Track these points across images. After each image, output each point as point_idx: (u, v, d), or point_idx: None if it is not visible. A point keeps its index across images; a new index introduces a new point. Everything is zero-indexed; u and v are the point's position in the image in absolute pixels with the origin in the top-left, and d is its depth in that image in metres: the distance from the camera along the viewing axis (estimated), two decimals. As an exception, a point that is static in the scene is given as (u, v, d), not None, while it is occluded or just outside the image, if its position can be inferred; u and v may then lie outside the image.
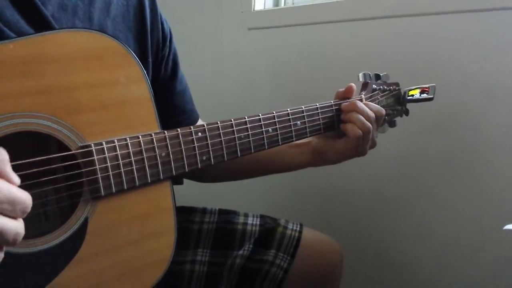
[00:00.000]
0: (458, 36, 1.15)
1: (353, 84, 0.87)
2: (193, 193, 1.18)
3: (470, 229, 1.17)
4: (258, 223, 0.91)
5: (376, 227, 1.34)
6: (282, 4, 1.62)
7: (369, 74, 0.94)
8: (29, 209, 0.47)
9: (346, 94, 0.87)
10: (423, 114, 1.09)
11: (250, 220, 0.91)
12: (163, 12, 0.84)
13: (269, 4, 1.61)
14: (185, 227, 0.89)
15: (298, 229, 0.90)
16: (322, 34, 1.39)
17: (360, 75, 0.94)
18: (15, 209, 0.45)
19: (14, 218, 0.46)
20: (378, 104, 0.92)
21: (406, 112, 1.00)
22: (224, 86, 1.63)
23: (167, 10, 0.85)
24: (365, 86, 0.93)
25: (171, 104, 0.87)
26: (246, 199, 1.56)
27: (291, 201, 1.50)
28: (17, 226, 0.46)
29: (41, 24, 0.63)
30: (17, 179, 0.46)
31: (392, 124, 1.00)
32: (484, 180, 1.14)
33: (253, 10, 1.56)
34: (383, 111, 0.87)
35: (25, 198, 0.46)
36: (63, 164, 0.57)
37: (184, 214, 0.91)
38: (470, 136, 1.15)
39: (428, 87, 0.95)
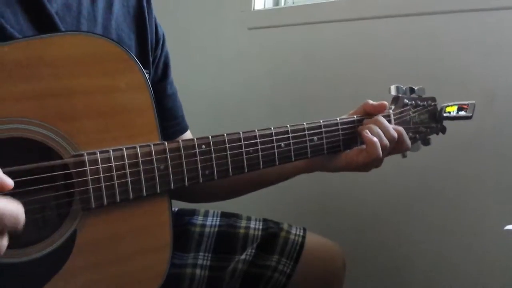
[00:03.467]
0: (458, 36, 1.14)
1: (385, 103, 0.81)
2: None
3: (470, 230, 1.17)
4: (260, 227, 0.88)
5: (379, 231, 1.32)
6: (282, 4, 1.60)
7: (402, 88, 0.87)
8: (20, 225, 0.45)
9: (376, 111, 0.80)
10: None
11: (252, 224, 0.89)
12: (164, 12, 0.84)
13: (269, 4, 1.60)
14: (186, 229, 0.87)
15: (301, 233, 0.88)
16: (322, 33, 1.39)
17: (392, 87, 0.87)
18: (2, 223, 0.43)
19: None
20: (410, 120, 0.86)
21: (443, 130, 0.92)
22: (224, 86, 1.63)
23: (167, 11, 0.85)
24: (395, 100, 0.86)
25: (163, 107, 0.85)
26: (248, 202, 1.54)
27: (293, 205, 1.49)
28: (17, 209, 0.44)
29: (45, 22, 0.62)
30: (9, 182, 0.44)
31: (426, 142, 0.92)
32: (484, 180, 1.13)
33: (253, 9, 1.55)
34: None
35: (15, 210, 0.44)
36: (53, 173, 0.55)
37: (186, 216, 0.90)
38: (470, 136, 1.14)
39: (468, 104, 0.86)
